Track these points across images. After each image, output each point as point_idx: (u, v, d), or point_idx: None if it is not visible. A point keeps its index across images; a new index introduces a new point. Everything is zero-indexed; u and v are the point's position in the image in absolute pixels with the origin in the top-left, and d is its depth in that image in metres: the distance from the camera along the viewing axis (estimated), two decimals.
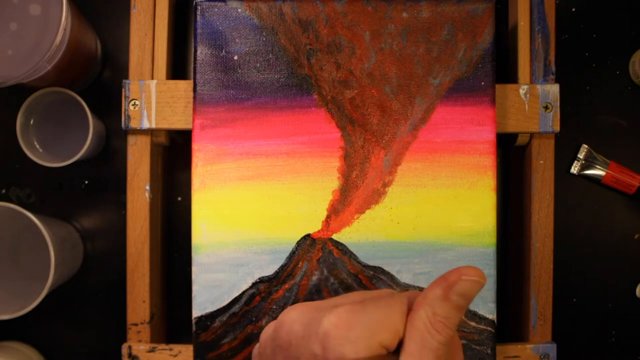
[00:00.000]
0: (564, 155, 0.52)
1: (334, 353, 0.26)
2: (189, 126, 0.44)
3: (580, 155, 0.52)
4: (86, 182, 0.51)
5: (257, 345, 0.32)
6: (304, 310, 0.28)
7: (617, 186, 0.52)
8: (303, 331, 0.27)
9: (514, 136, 0.47)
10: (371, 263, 0.42)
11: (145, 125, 0.44)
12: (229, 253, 0.42)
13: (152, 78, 0.45)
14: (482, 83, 0.43)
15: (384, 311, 0.27)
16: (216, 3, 0.42)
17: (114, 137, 0.51)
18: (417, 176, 0.42)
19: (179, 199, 0.52)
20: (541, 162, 0.46)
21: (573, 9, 0.53)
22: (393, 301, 0.28)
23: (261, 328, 0.42)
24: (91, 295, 0.51)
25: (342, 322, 0.26)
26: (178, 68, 0.50)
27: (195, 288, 0.41)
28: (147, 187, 0.45)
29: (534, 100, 0.45)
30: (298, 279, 0.42)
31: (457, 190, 0.42)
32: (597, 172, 0.52)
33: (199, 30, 0.42)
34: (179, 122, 0.44)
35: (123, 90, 0.44)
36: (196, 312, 0.41)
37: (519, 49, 0.46)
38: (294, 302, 0.42)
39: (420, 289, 0.42)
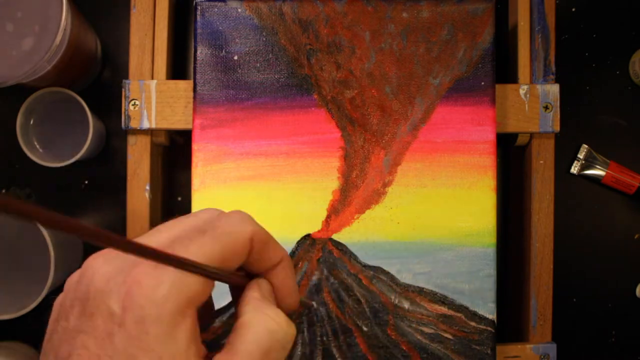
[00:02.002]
0: (564, 155, 0.52)
1: (134, 315, 0.21)
2: (189, 126, 0.44)
3: (580, 155, 0.52)
4: (86, 182, 0.51)
5: (61, 294, 0.26)
6: (112, 259, 0.24)
7: (617, 186, 0.52)
8: (104, 284, 0.22)
9: (514, 136, 0.47)
10: (371, 263, 0.42)
11: (145, 125, 0.44)
12: None
13: (152, 78, 0.45)
14: (482, 83, 0.43)
15: (197, 259, 0.23)
16: (216, 3, 0.42)
17: (114, 137, 0.51)
18: (417, 176, 0.42)
19: (179, 199, 0.52)
20: (541, 162, 0.46)
21: (573, 9, 0.53)
22: (206, 243, 0.24)
23: None
24: None
25: (148, 277, 0.22)
26: (178, 68, 0.50)
27: None
28: (147, 187, 0.45)
29: (534, 100, 0.45)
30: (298, 279, 0.42)
31: (457, 190, 0.42)
32: (597, 172, 0.52)
33: (199, 30, 0.42)
34: (179, 122, 0.44)
35: (123, 90, 0.44)
36: None
37: (519, 49, 0.46)
38: None
39: (421, 289, 0.42)
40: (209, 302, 0.28)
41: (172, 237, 0.24)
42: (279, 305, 0.27)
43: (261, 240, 0.26)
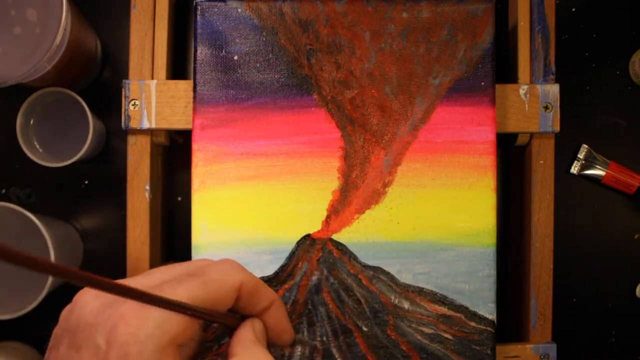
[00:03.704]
0: (564, 155, 0.52)
1: (118, 351, 0.22)
2: (189, 126, 0.44)
3: (580, 155, 0.52)
4: (86, 182, 0.51)
5: (57, 324, 0.28)
6: (101, 293, 0.25)
7: (617, 186, 0.52)
8: (93, 318, 0.24)
9: (514, 136, 0.47)
10: (371, 263, 0.42)
11: (145, 125, 0.44)
12: (229, 253, 0.42)
13: (152, 78, 0.45)
14: (482, 83, 0.43)
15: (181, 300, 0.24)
16: (216, 3, 0.42)
17: (114, 137, 0.51)
18: (417, 176, 0.42)
19: (179, 199, 0.52)
20: (541, 162, 0.46)
21: (573, 9, 0.53)
22: (194, 287, 0.25)
23: None
24: None
25: (133, 315, 0.23)
26: (178, 68, 0.50)
27: None
28: (147, 187, 0.45)
29: (534, 100, 0.45)
30: (298, 279, 0.42)
31: (457, 190, 0.42)
32: (597, 172, 0.52)
33: (199, 30, 0.42)
34: (179, 122, 0.44)
35: (123, 90, 0.44)
36: None
37: (519, 49, 0.46)
38: (293, 302, 0.42)
39: (420, 289, 0.42)
40: (197, 339, 0.29)
41: (163, 279, 0.25)
42: (273, 342, 0.29)
43: (250, 287, 0.27)
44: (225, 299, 0.26)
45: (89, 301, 0.24)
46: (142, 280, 0.26)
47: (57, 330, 0.26)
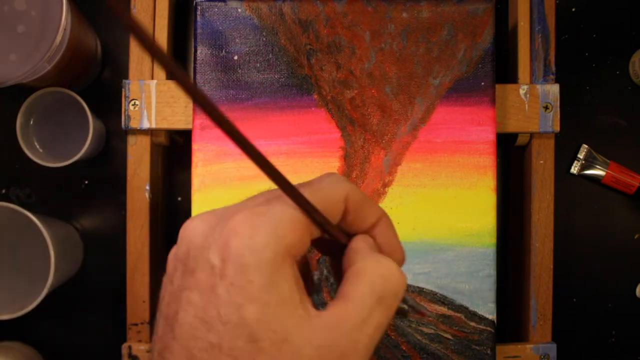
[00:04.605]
0: (564, 155, 0.52)
1: (234, 265, 0.21)
2: (189, 126, 0.44)
3: (580, 155, 0.52)
4: (86, 182, 0.51)
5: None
6: (207, 217, 0.23)
7: (617, 186, 0.52)
8: (202, 241, 0.22)
9: (514, 136, 0.47)
10: None
11: (145, 125, 0.44)
12: None
13: (152, 78, 0.45)
14: (482, 83, 0.43)
15: (291, 210, 0.23)
16: (216, 3, 0.42)
17: (114, 137, 0.51)
18: (417, 176, 0.42)
19: (179, 199, 0.52)
20: (541, 162, 0.46)
21: (573, 9, 0.53)
22: (304, 195, 0.23)
23: None
24: (91, 295, 0.51)
25: (244, 227, 0.21)
26: None
27: None
28: (147, 187, 0.45)
29: (534, 100, 0.45)
30: None
31: (457, 190, 0.42)
32: (597, 172, 0.52)
33: (199, 30, 0.42)
34: (179, 122, 0.44)
35: (123, 90, 0.44)
36: None
37: (519, 49, 0.46)
38: None
39: (420, 289, 0.42)
40: (307, 266, 0.27)
41: (267, 197, 0.24)
42: None
43: (357, 199, 0.25)
44: (333, 210, 0.24)
45: (197, 226, 0.23)
46: (246, 202, 0.24)
47: (167, 271, 0.24)
